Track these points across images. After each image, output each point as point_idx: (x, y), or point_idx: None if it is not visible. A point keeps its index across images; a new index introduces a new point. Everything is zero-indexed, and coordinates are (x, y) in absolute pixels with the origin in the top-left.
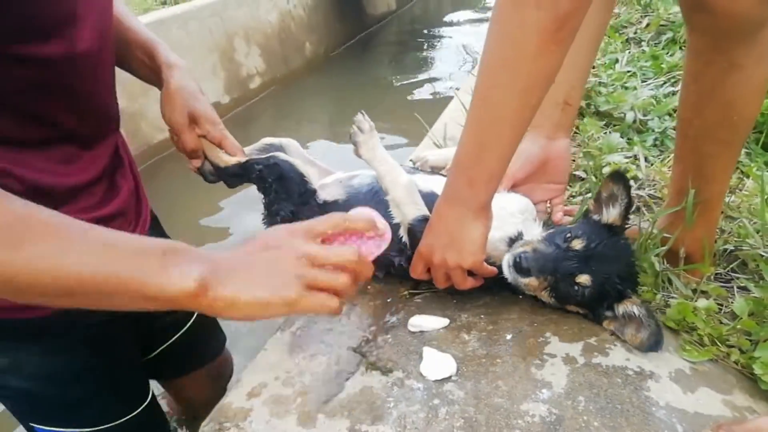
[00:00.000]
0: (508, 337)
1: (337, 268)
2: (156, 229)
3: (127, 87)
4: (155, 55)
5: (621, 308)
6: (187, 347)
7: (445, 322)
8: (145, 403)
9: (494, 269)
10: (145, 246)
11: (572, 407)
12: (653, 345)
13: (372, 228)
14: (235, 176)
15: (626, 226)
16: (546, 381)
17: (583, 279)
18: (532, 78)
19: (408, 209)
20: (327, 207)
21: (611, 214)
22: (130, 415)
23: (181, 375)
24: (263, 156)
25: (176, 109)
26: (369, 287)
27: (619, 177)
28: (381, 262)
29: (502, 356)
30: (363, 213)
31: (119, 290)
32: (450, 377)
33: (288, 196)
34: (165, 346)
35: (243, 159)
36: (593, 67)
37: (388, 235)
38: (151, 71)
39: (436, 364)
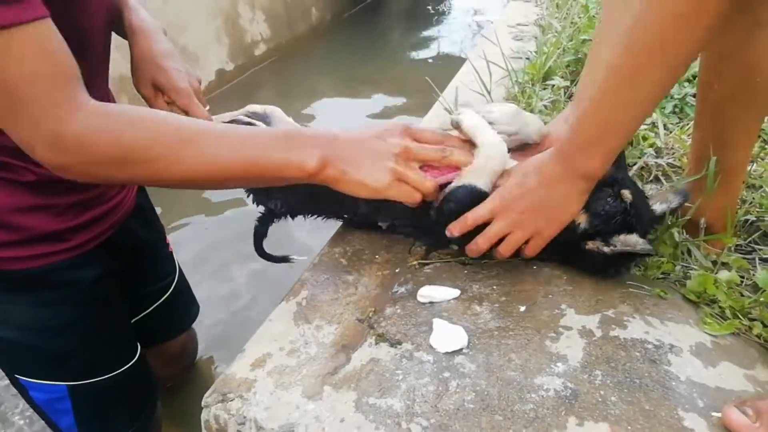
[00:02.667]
0: (522, 308)
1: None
2: (142, 194)
3: (128, 52)
4: (122, 16)
5: (622, 238)
6: (164, 316)
7: (456, 293)
8: (134, 361)
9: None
10: (271, 137)
11: (588, 381)
12: (647, 250)
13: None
14: None
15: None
16: (561, 354)
17: (626, 193)
18: (691, 51)
19: (479, 178)
20: None
21: (656, 208)
22: (117, 371)
23: (152, 344)
24: (234, 116)
25: (140, 81)
26: (376, 257)
27: (683, 195)
28: (384, 211)
29: (515, 329)
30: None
31: (262, 177)
32: (461, 350)
33: None
34: (145, 313)
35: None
36: None
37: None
38: (123, 33)
39: (447, 336)
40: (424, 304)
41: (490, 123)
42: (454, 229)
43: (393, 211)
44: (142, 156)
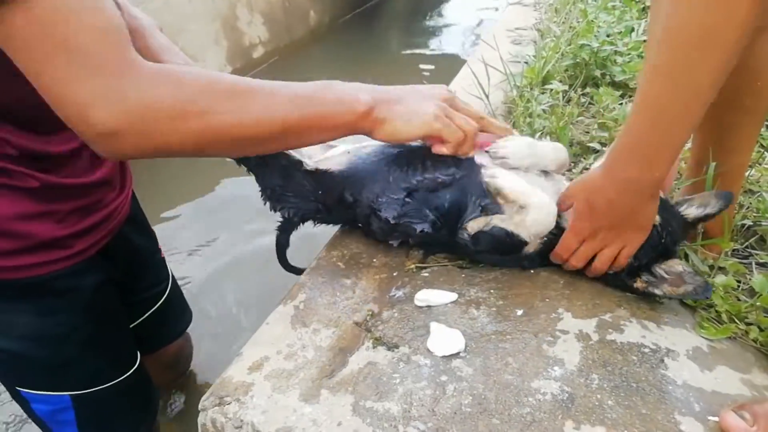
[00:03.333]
0: (519, 312)
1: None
2: (134, 202)
3: None
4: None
5: (665, 267)
6: (159, 323)
7: (454, 296)
8: (134, 368)
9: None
10: (321, 84)
11: (585, 385)
12: (702, 292)
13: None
14: None
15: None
16: (558, 358)
17: (656, 218)
18: (735, 45)
19: (522, 232)
20: (317, 177)
21: (690, 212)
22: (119, 379)
23: (148, 352)
24: None
25: None
26: (374, 260)
27: (725, 198)
28: (399, 230)
29: (512, 332)
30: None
31: (314, 125)
32: (458, 353)
33: (270, 170)
34: (140, 320)
35: None
36: (608, 36)
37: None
38: None
39: (444, 339)
40: (421, 307)
41: (503, 158)
42: (557, 257)
43: (407, 231)
44: (201, 107)
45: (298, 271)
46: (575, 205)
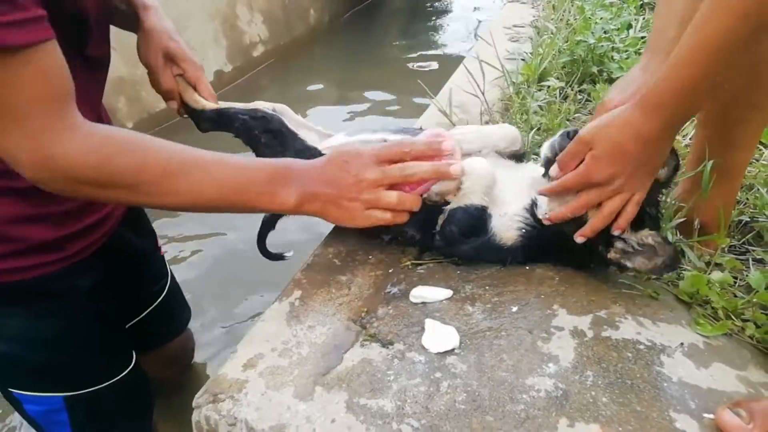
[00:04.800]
0: (514, 309)
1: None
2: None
3: (128, 52)
4: (129, 1)
5: (637, 237)
6: (159, 320)
7: (449, 293)
8: (130, 368)
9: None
10: (255, 174)
11: (580, 382)
12: (670, 265)
13: (438, 175)
14: (208, 121)
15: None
16: (553, 355)
17: None
18: None
19: (472, 198)
20: None
21: (659, 173)
22: (113, 380)
23: (150, 349)
24: (248, 107)
25: (151, 48)
26: (370, 257)
27: (674, 159)
28: (389, 228)
29: (507, 329)
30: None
31: (244, 206)
32: (453, 350)
33: (284, 149)
34: (139, 318)
35: (223, 106)
36: (605, 33)
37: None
38: (126, 17)
39: (439, 336)
40: (416, 304)
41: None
42: (547, 192)
43: (397, 228)
44: (127, 182)
45: (273, 257)
46: (593, 150)
